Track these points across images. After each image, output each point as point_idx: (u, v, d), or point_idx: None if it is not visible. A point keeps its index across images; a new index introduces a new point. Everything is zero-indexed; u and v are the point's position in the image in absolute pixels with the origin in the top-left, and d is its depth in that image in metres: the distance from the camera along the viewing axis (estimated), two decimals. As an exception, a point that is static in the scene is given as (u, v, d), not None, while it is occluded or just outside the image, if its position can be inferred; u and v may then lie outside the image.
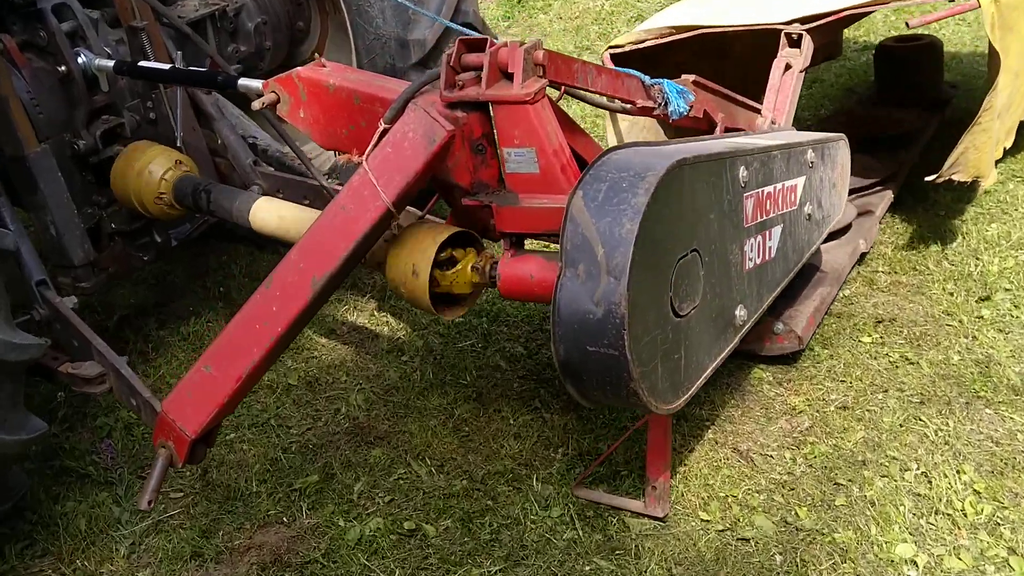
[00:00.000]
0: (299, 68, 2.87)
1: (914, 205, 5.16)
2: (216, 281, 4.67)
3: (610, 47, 4.62)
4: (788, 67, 4.05)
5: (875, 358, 3.89)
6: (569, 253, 2.30)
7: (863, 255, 4.55)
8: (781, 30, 4.11)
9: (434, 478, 3.38)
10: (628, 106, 3.13)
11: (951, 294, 4.32)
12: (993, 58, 4.01)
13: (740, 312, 2.81)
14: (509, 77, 2.56)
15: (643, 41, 4.54)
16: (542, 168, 2.57)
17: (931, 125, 5.76)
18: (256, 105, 2.86)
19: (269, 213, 3.19)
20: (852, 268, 4.44)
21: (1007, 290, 4.33)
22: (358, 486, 3.36)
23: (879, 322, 4.12)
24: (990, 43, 3.93)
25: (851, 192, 4.78)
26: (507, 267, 2.69)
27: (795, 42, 4.10)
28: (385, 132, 2.66)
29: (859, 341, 3.99)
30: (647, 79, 3.06)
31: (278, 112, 2.94)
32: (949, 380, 3.69)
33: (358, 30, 4.12)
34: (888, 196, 4.92)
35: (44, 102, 3.41)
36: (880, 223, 4.86)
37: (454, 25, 3.47)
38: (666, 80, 3.08)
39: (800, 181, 3.27)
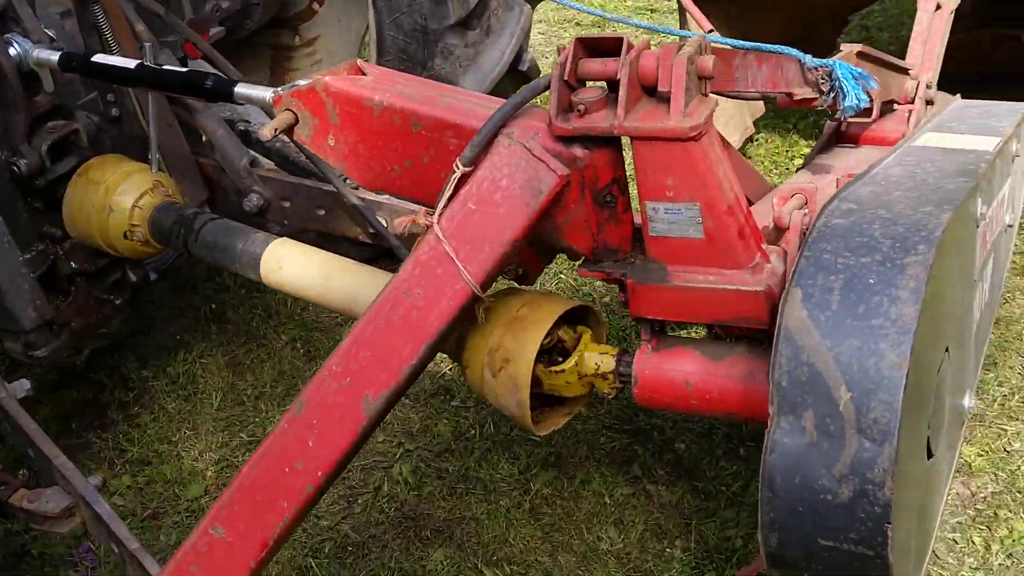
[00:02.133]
0: (327, 77, 2.01)
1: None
2: (206, 296, 3.85)
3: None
4: (938, 7, 3.21)
5: (1055, 382, 3.15)
6: (787, 394, 1.50)
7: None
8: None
9: (520, 594, 2.64)
10: (779, 97, 2.30)
11: (1126, 281, 3.55)
12: None
13: (968, 401, 2.04)
14: (657, 95, 1.73)
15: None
16: (709, 232, 1.75)
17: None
18: (266, 134, 2.02)
19: (291, 266, 2.36)
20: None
21: None
22: (420, 609, 2.62)
23: (1047, 327, 3.37)
24: None
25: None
26: (649, 366, 1.90)
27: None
28: (464, 179, 1.83)
29: (1031, 358, 3.24)
30: (808, 59, 2.22)
31: (296, 137, 2.09)
32: None
33: (376, -19, 3.22)
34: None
35: (-34, 112, 2.55)
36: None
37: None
38: (837, 61, 2.23)
39: (1007, 185, 2.46)
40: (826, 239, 1.59)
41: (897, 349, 1.43)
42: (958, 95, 3.06)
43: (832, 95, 2.25)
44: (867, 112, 2.76)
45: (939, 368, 1.65)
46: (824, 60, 2.25)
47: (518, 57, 3.41)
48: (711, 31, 3.60)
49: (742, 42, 2.20)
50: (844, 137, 3.02)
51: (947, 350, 1.72)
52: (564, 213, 1.86)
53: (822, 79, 2.26)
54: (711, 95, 1.76)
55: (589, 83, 1.82)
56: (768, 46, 2.23)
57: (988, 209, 2.11)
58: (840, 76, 2.22)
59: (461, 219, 1.82)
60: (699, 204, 1.73)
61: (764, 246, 1.82)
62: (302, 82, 2.06)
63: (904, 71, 3.04)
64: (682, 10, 3.82)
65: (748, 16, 4.25)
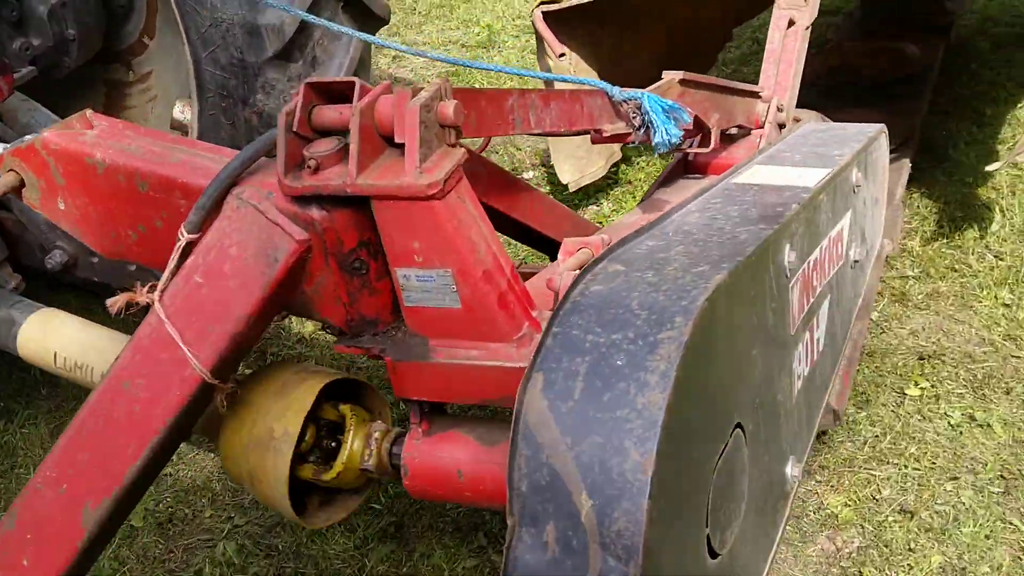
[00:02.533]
0: (47, 133, 1.77)
1: (931, 171, 4.23)
2: (35, 357, 3.54)
3: (541, 3, 3.55)
4: (791, 23, 3.04)
5: (929, 419, 2.98)
6: (527, 501, 1.29)
7: (887, 258, 3.61)
8: (776, -27, 3.08)
9: None
10: (591, 134, 2.10)
11: (1007, 305, 3.41)
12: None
13: (791, 470, 1.84)
14: (398, 147, 1.51)
15: (587, -7, 3.48)
16: (467, 301, 1.54)
17: (936, 59, 4.80)
18: (-21, 199, 1.77)
19: (51, 341, 2.10)
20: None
21: (1075, 292, 3.43)
22: None
23: (923, 359, 3.20)
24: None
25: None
26: (418, 454, 1.68)
27: (797, -13, 3.08)
28: (190, 248, 1.60)
29: (904, 395, 3.07)
30: (616, 92, 2.03)
31: (27, 201, 1.85)
32: (1039, 453, 2.81)
33: (187, 12, 2.97)
34: (905, 168, 3.96)
35: None
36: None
37: (311, 18, 2.31)
38: (646, 93, 2.04)
39: (846, 219, 2.28)
40: (579, 311, 1.37)
41: (642, 447, 1.22)
42: (811, 119, 2.91)
43: (643, 130, 2.07)
44: (704, 141, 2.60)
45: (720, 454, 1.44)
46: (633, 92, 2.06)
47: (352, 90, 3.18)
48: (563, 55, 3.42)
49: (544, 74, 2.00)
50: (692, 167, 2.85)
51: (740, 426, 1.52)
52: (311, 282, 1.64)
53: (632, 112, 2.07)
54: (461, 146, 1.54)
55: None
56: (574, 78, 2.06)
57: (807, 251, 1.92)
58: (649, 109, 2.04)
59: (187, 295, 1.58)
60: (451, 270, 1.52)
61: (538, 313, 1.60)
62: (27, 138, 1.82)
63: (754, 94, 2.87)
64: (539, 36, 3.62)
65: (617, 34, 4.07)
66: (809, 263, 1.94)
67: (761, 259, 1.62)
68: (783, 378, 1.79)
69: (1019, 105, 4.75)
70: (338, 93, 1.56)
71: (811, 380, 2.01)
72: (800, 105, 3.01)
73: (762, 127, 2.85)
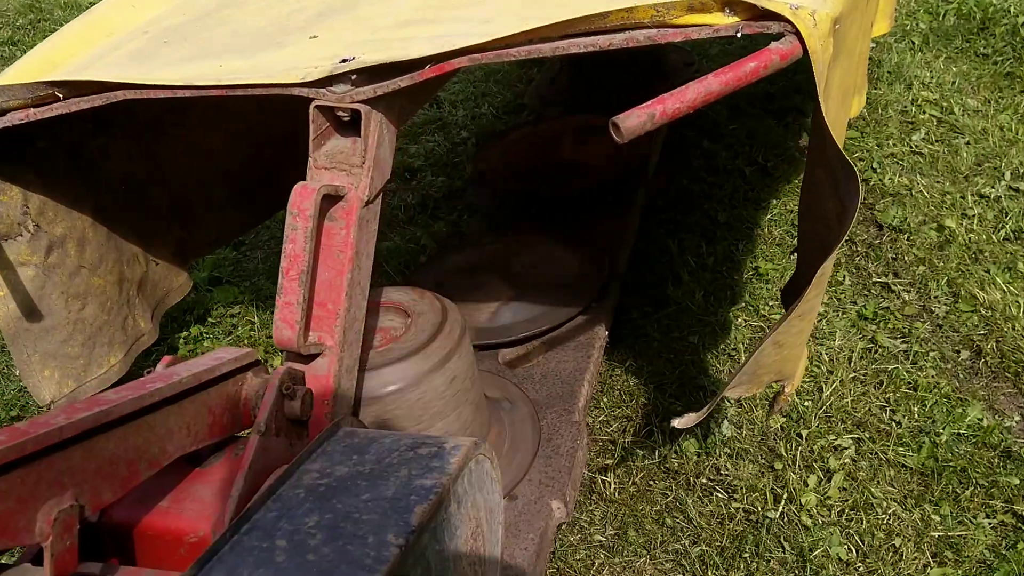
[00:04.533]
0: None
1: (641, 323, 2.99)
2: None
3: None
4: (334, 199, 1.64)
5: None
6: None
7: (560, 526, 2.30)
8: (311, 100, 1.67)
9: None
10: None
11: (740, 602, 2.17)
12: (821, 146, 1.72)
13: None
14: None
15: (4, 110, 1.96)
16: None
17: (655, 150, 3.57)
18: None
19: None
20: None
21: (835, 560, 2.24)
22: None
23: None
24: (818, 120, 1.64)
25: (528, 339, 2.60)
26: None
27: (347, 125, 1.69)
28: None
29: None
30: None
31: None
32: None
33: None
34: (600, 340, 2.68)
35: None
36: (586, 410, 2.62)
37: None
38: None
39: None
40: None
41: None
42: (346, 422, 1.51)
43: None
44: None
45: None
46: None
47: None
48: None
49: None
50: (105, 524, 1.40)
51: None
52: None
53: None
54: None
55: None
56: None
57: None
58: None
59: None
60: None
61: None
62: None
63: (237, 371, 1.46)
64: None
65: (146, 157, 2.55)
66: None
67: None
68: None
69: (763, 203, 3.58)
70: None
71: None
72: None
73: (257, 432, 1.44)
